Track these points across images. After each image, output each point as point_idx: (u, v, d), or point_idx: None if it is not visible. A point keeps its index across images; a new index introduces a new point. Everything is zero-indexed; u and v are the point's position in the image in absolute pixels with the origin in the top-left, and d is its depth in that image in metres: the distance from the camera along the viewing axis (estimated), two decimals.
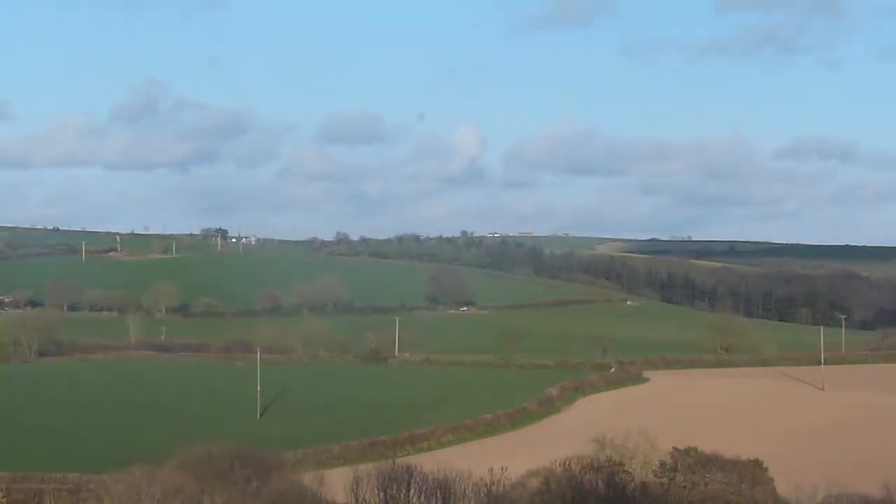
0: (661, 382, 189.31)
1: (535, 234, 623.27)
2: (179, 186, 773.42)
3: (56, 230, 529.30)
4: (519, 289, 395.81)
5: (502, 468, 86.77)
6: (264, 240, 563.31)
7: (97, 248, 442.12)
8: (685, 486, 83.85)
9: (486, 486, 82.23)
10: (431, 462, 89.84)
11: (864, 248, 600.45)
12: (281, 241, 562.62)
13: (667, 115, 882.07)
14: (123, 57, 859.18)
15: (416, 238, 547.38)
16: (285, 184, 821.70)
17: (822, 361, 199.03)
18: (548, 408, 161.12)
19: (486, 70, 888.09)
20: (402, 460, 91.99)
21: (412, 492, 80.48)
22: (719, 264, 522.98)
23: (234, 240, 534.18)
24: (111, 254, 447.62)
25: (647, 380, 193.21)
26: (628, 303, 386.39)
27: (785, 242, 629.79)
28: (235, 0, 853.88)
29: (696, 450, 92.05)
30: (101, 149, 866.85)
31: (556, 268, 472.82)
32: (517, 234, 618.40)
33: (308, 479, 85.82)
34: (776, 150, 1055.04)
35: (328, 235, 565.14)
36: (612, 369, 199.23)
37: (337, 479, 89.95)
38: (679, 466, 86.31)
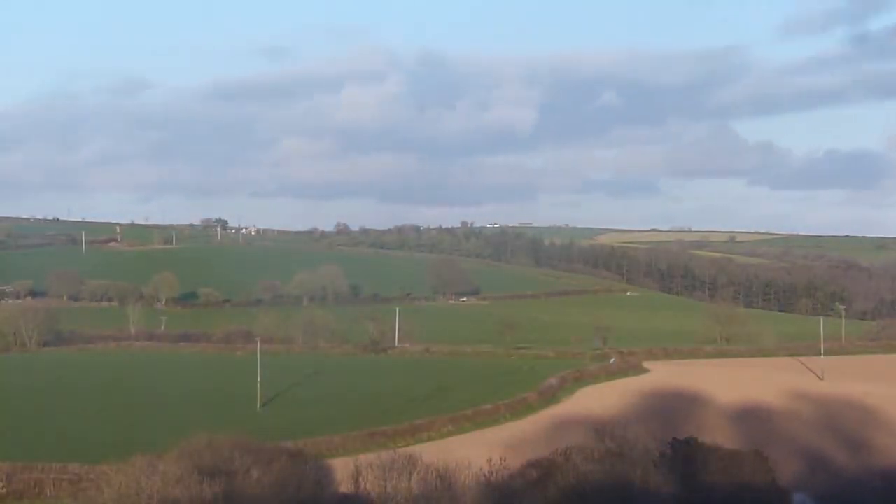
0: (661, 373, 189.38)
1: (534, 225, 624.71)
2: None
3: (56, 220, 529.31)
4: (519, 279, 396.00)
5: (502, 458, 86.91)
6: (264, 230, 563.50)
7: (98, 238, 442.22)
8: (685, 477, 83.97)
9: (486, 476, 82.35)
10: (432, 452, 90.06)
11: (864, 238, 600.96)
12: (281, 232, 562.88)
13: None
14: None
15: (416, 228, 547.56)
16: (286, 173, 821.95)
17: (822, 352, 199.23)
18: (548, 398, 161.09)
19: None
20: (402, 450, 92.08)
21: (413, 482, 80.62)
22: (719, 255, 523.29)
23: (234, 230, 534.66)
24: (112, 244, 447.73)
25: (647, 370, 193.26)
26: (628, 293, 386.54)
27: (785, 233, 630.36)
28: None
29: (695, 440, 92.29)
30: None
31: (556, 258, 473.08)
32: (517, 225, 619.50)
33: (309, 469, 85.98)
34: None
35: (328, 226, 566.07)
36: (613, 360, 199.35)
37: (338, 470, 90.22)
38: (679, 457, 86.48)
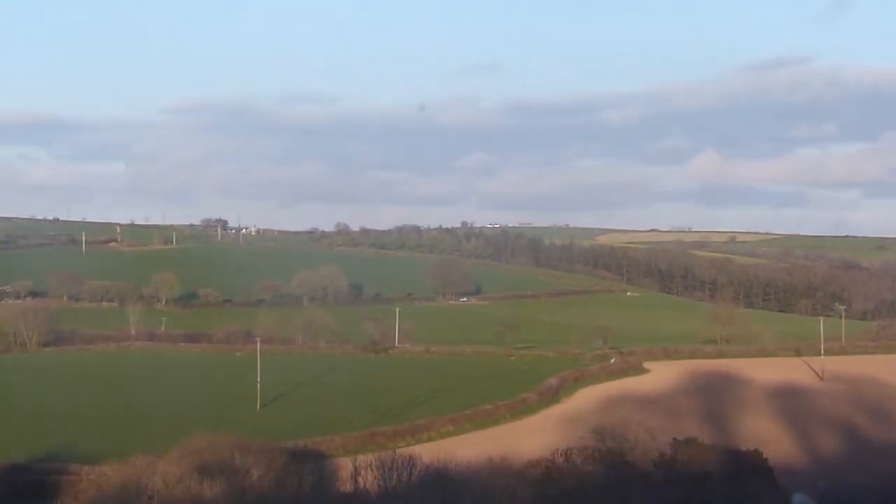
0: (661, 373, 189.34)
1: (535, 225, 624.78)
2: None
3: (56, 220, 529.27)
4: (519, 279, 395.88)
5: (502, 458, 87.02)
6: (264, 230, 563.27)
7: (98, 238, 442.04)
8: (685, 477, 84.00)
9: (486, 476, 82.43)
10: (432, 452, 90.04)
11: (864, 238, 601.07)
12: (281, 232, 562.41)
13: None
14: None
15: (416, 229, 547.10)
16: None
17: (822, 352, 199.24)
18: (548, 398, 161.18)
19: None
20: (402, 450, 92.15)
21: (413, 482, 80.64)
22: (719, 255, 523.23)
23: (234, 230, 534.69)
24: (112, 244, 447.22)
25: (647, 371, 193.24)
26: (629, 293, 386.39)
27: (785, 233, 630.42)
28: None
29: (695, 440, 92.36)
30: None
31: (556, 258, 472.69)
32: (517, 225, 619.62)
33: (309, 469, 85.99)
34: None
35: (328, 226, 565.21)
36: (613, 360, 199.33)
37: (338, 470, 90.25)
38: (679, 457, 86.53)
